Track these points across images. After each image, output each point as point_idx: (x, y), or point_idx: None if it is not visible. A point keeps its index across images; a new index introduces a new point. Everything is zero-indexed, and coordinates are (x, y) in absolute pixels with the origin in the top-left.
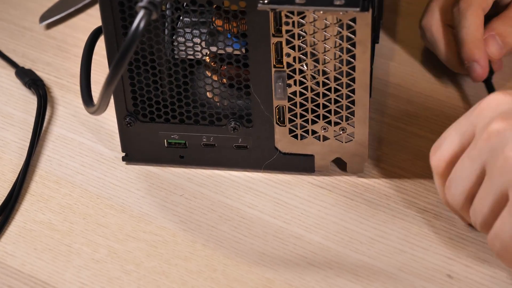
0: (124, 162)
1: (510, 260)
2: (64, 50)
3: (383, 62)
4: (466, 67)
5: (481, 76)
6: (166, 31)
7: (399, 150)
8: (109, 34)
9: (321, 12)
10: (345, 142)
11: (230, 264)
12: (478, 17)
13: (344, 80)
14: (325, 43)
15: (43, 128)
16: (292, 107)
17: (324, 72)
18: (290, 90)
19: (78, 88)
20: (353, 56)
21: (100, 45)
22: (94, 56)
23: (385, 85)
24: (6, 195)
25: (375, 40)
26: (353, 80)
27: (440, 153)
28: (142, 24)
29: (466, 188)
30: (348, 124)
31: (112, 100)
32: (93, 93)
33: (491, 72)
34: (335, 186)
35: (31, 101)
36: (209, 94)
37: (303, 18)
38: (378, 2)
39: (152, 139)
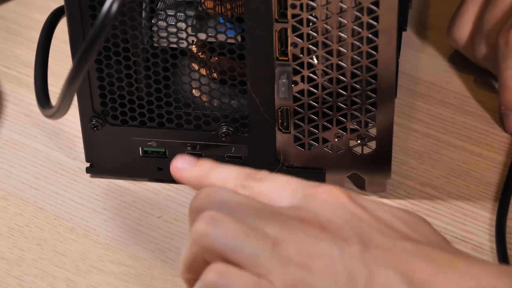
0: (89, 175)
1: None
2: (16, 33)
3: (412, 54)
4: (501, 112)
5: None
6: (144, 14)
7: (431, 164)
8: (72, 16)
9: None
10: (364, 154)
11: None
12: None
13: (364, 76)
14: (340, 32)
15: None
16: (299, 110)
17: (339, 67)
18: (296, 89)
19: (33, 81)
20: (375, 48)
21: (62, 28)
22: (53, 42)
23: (414, 82)
24: None
25: (402, 27)
26: (374, 77)
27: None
28: (115, 6)
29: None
30: (367, 131)
31: (75, 98)
32: (51, 88)
33: None
34: None
35: None
36: (195, 92)
37: (313, 0)
38: None
39: (124, 146)
